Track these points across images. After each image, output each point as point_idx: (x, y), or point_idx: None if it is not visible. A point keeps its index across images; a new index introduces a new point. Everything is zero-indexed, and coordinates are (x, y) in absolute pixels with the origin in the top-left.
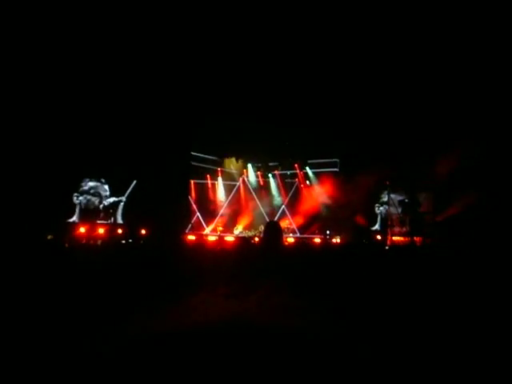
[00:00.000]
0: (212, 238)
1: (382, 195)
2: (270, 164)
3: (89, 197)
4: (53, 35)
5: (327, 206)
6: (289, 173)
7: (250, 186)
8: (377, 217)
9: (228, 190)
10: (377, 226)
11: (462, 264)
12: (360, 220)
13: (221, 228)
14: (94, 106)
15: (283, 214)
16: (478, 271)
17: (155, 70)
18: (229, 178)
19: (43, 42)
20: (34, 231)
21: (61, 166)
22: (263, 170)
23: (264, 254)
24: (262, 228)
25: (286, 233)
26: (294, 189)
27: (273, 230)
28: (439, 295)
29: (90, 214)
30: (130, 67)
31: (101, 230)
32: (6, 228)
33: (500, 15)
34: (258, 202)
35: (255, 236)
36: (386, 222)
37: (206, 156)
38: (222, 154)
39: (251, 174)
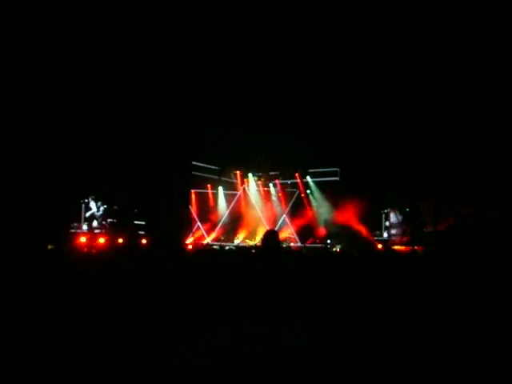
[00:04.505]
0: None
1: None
2: (271, 173)
3: None
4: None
5: (328, 215)
6: (289, 182)
7: (250, 196)
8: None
9: (229, 199)
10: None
11: (462, 272)
12: (360, 229)
13: (222, 237)
14: (93, 113)
15: (284, 224)
16: (479, 279)
17: (158, 80)
18: (229, 187)
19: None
20: (35, 241)
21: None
22: (264, 179)
23: (264, 261)
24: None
25: (287, 242)
26: (294, 198)
27: (271, 238)
28: (442, 303)
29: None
30: (130, 74)
31: (101, 240)
32: (7, 238)
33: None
34: (259, 211)
35: (256, 245)
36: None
37: (207, 166)
38: (223, 164)
39: (252, 184)
